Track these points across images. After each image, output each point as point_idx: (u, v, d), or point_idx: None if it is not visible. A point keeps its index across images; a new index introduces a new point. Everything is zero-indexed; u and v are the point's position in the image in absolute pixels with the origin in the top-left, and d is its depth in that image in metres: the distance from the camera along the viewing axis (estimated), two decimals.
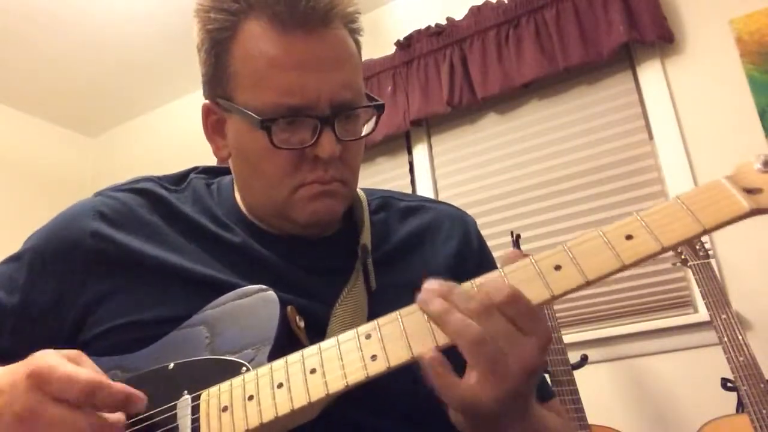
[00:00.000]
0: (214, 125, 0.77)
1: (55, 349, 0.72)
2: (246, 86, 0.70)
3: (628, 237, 0.53)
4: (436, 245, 0.82)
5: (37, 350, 0.73)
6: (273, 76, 0.68)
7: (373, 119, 0.76)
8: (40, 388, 0.54)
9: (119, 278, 0.73)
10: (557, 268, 0.55)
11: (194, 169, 0.87)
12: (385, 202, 0.87)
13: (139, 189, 0.80)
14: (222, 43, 0.71)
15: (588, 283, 0.54)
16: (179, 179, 0.84)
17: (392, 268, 0.79)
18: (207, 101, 0.77)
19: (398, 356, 0.55)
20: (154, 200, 0.79)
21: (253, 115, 0.69)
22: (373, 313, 0.72)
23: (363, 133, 0.76)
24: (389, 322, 0.58)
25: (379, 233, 0.82)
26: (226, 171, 0.84)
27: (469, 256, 0.83)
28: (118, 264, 0.74)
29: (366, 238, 0.79)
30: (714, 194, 0.53)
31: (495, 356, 0.52)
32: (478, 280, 0.57)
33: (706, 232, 0.52)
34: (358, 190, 0.85)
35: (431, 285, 0.56)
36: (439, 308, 0.55)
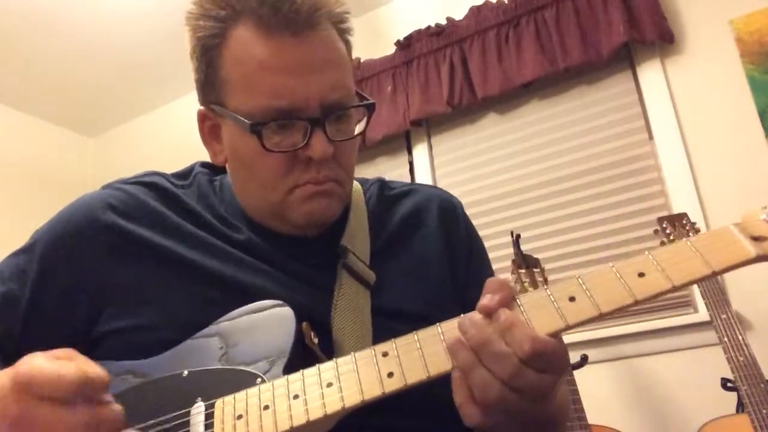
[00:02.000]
0: (210, 131, 0.78)
1: (66, 342, 0.73)
2: (236, 91, 0.71)
3: (641, 274, 0.56)
4: (427, 229, 0.84)
5: (48, 344, 0.73)
6: (261, 80, 0.69)
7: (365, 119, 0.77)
8: (28, 392, 0.53)
9: (132, 271, 0.74)
10: (572, 299, 0.57)
11: (198, 164, 0.87)
12: (378, 187, 0.89)
13: (147, 182, 0.81)
14: (212, 50, 0.72)
15: (601, 316, 0.56)
16: (184, 175, 0.85)
17: (391, 255, 0.80)
18: (201, 107, 0.78)
19: (415, 375, 0.57)
20: (163, 193, 0.80)
21: (244, 119, 0.70)
22: (376, 307, 0.74)
23: (355, 133, 0.76)
24: (406, 342, 0.59)
25: (377, 222, 0.83)
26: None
27: (458, 239, 0.85)
28: (131, 256, 0.74)
29: (354, 237, 0.79)
30: (722, 239, 0.57)
31: (507, 401, 0.55)
32: (504, 319, 0.56)
33: (715, 273, 0.55)
34: (354, 182, 0.86)
35: (466, 329, 0.57)
36: (466, 363, 0.56)
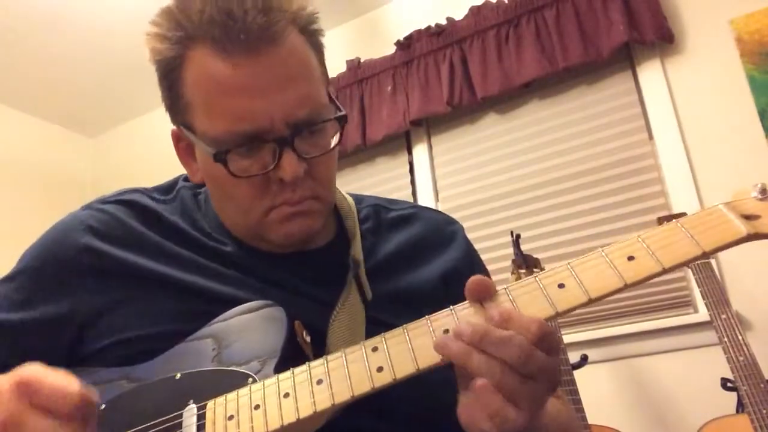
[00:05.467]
0: (185, 150, 0.76)
1: (54, 362, 0.72)
2: (200, 115, 0.69)
3: (630, 258, 0.56)
4: (429, 257, 0.83)
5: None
6: (222, 104, 0.66)
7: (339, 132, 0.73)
8: (27, 397, 0.52)
9: (115, 291, 0.73)
10: (561, 286, 0.56)
11: (181, 177, 0.86)
12: (374, 210, 0.86)
13: (127, 201, 0.79)
14: (173, 72, 0.70)
15: (590, 301, 0.55)
16: (167, 189, 0.83)
17: (385, 278, 0.78)
18: (174, 127, 0.75)
19: (404, 369, 0.56)
20: (143, 212, 0.78)
21: (208, 147, 0.68)
22: (370, 323, 0.73)
23: (331, 146, 0.73)
24: (395, 336, 0.58)
25: (369, 243, 0.81)
26: None
27: (459, 263, 0.83)
28: (112, 277, 0.73)
29: (356, 250, 0.78)
30: (712, 219, 0.55)
31: (525, 388, 0.52)
32: (496, 312, 0.55)
33: (705, 255, 0.54)
34: (347, 197, 0.85)
35: (462, 329, 0.54)
36: (460, 352, 0.53)
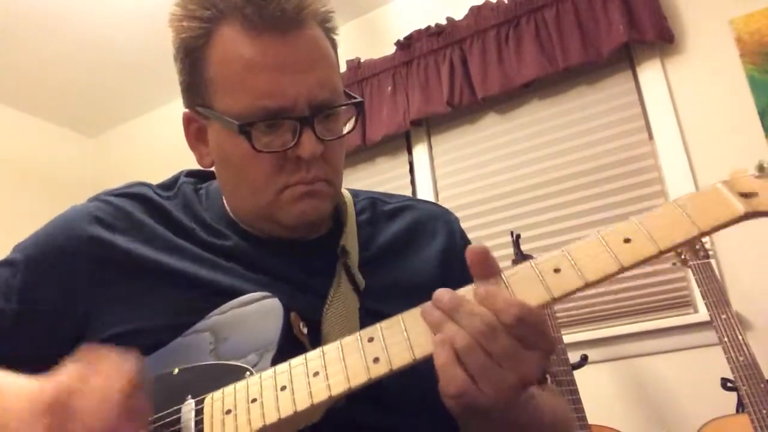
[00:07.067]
0: (196, 134, 0.78)
1: (54, 351, 0.71)
2: (224, 91, 0.71)
3: (626, 240, 0.55)
4: (423, 245, 0.84)
5: (38, 353, 0.70)
6: (249, 79, 0.69)
7: (354, 117, 0.77)
8: (64, 417, 0.51)
9: (120, 283, 0.73)
10: (557, 270, 0.55)
11: (182, 173, 0.87)
12: (371, 203, 0.88)
13: (134, 194, 0.80)
14: (197, 51, 0.72)
15: (587, 285, 0.55)
16: (169, 185, 0.84)
17: (381, 268, 0.79)
18: (187, 110, 0.77)
19: (400, 358, 0.56)
20: (149, 205, 0.79)
21: (232, 120, 0.69)
22: (364, 313, 0.73)
23: (344, 132, 0.76)
24: (391, 326, 0.58)
25: (366, 234, 0.82)
26: (214, 175, 0.84)
27: (454, 254, 0.84)
28: (117, 268, 0.73)
29: (348, 240, 0.79)
30: (710, 198, 0.55)
31: (488, 369, 0.53)
32: (482, 290, 0.56)
33: (702, 234, 0.53)
34: (343, 190, 0.86)
35: (441, 295, 0.56)
36: (435, 320, 0.55)
